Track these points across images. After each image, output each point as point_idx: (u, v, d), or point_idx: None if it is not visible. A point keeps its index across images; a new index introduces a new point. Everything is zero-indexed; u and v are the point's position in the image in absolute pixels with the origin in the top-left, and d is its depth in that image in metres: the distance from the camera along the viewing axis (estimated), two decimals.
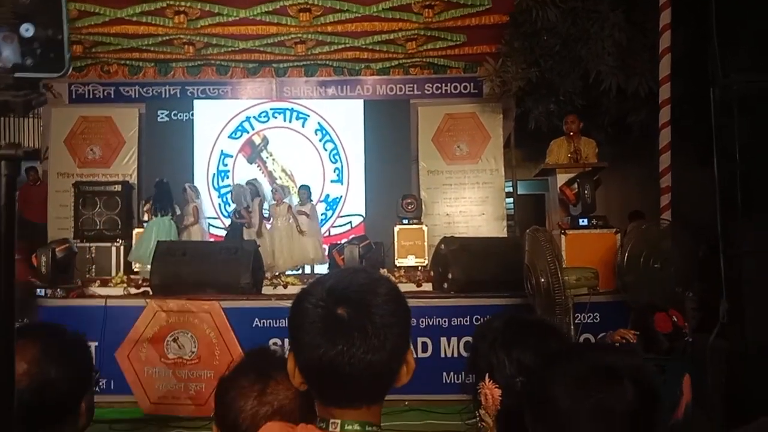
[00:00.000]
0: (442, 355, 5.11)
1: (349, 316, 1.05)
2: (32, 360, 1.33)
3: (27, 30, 0.89)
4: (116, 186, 8.63)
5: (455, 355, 5.07)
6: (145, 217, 8.22)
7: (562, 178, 6.42)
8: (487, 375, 1.56)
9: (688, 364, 2.98)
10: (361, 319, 1.05)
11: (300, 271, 8.25)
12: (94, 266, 7.77)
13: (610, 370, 1.12)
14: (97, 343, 5.12)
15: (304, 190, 8.50)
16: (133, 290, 6.06)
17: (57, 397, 1.34)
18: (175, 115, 9.41)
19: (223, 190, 9.40)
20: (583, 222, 5.97)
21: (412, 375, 1.12)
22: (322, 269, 8.54)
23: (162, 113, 9.40)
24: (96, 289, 6.12)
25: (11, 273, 0.97)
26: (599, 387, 1.10)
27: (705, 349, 4.23)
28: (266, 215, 8.48)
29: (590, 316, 5.05)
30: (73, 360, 1.42)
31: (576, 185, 6.14)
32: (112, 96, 9.44)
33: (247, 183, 8.56)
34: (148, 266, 6.63)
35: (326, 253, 8.26)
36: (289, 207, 8.31)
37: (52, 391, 1.33)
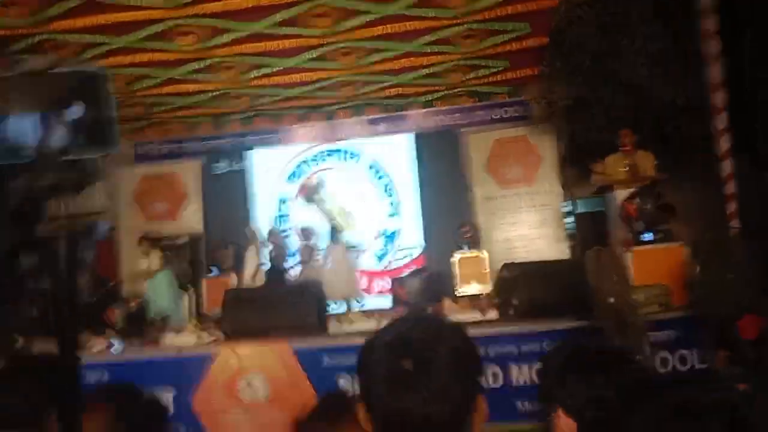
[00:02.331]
0: (514, 383, 5.03)
1: (414, 370, 1.06)
2: (103, 423, 1.37)
3: (74, 111, 0.94)
4: (184, 237, 8.95)
5: (527, 382, 4.98)
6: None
7: (621, 194, 6.30)
8: (559, 406, 1.54)
9: None
10: (424, 372, 1.06)
11: (362, 307, 8.32)
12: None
13: (694, 408, 1.05)
14: (173, 392, 5.26)
15: (336, 231, 8.53)
16: (205, 336, 6.21)
17: None
18: (233, 165, 9.74)
19: (282, 234, 9.60)
20: (648, 237, 5.82)
21: (486, 421, 1.12)
22: (385, 303, 8.59)
23: (221, 165, 9.75)
24: (170, 337, 6.31)
25: (74, 344, 1.02)
26: (684, 426, 1.04)
27: None
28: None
29: (665, 333, 4.88)
30: (147, 425, 1.47)
31: (637, 200, 6.01)
32: (173, 152, 9.86)
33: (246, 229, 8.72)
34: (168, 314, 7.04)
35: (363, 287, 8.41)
36: (312, 250, 8.40)
37: None
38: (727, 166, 5.40)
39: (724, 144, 5.40)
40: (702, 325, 4.67)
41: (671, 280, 5.18)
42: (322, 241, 8.43)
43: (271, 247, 8.32)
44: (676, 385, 1.25)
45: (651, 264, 5.59)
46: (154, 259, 7.62)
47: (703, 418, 1.02)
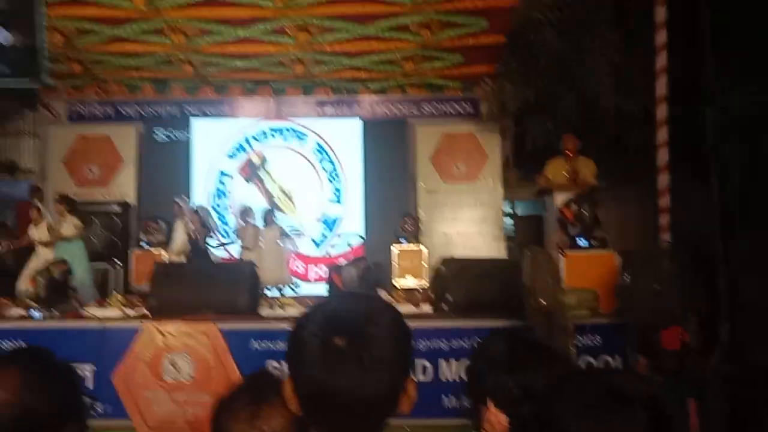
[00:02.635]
0: (442, 378, 5.04)
1: (346, 346, 1.04)
2: (10, 388, 1.31)
3: (2, 36, 0.89)
4: (115, 206, 8.61)
5: (455, 378, 5.01)
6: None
7: (560, 198, 6.41)
8: (490, 400, 1.52)
9: (692, 387, 2.95)
10: (358, 349, 1.04)
11: (296, 292, 8.23)
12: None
13: (622, 394, 1.07)
14: (93, 366, 5.07)
15: (270, 214, 8.48)
16: (130, 311, 5.99)
17: (34, 427, 1.33)
18: (173, 134, 9.42)
19: (206, 212, 9.37)
20: (582, 242, 5.94)
21: (413, 403, 1.10)
22: (320, 290, 8.52)
23: (160, 132, 9.42)
24: (93, 310, 6.06)
25: None
26: (610, 411, 1.05)
27: (706, 371, 4.20)
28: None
29: (591, 338, 5.00)
30: (54, 388, 1.40)
31: (574, 205, 6.12)
32: (111, 115, 9.46)
33: (174, 201, 8.38)
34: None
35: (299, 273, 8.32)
36: (255, 228, 8.29)
37: (28, 420, 1.31)
38: (663, 180, 5.54)
39: (663, 157, 5.54)
40: (626, 332, 4.81)
41: (601, 287, 5.30)
42: (257, 222, 8.31)
43: (191, 224, 8.07)
44: (604, 374, 1.28)
45: (583, 269, 5.72)
46: (69, 225, 7.28)
47: (629, 403, 1.04)
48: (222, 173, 9.50)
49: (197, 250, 7.90)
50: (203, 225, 8.00)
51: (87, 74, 8.94)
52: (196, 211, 8.16)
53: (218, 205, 9.41)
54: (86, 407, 1.49)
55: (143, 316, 5.70)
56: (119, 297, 6.55)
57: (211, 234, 8.16)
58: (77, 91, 9.34)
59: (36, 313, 5.60)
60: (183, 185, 9.22)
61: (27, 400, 1.32)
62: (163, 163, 9.32)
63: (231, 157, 9.53)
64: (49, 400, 1.35)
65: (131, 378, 5.19)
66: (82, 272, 7.13)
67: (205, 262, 7.66)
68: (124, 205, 8.79)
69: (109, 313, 5.93)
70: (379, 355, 1.04)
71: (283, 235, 8.40)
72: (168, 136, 9.44)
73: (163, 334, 5.26)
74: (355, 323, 1.07)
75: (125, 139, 9.35)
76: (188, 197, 9.00)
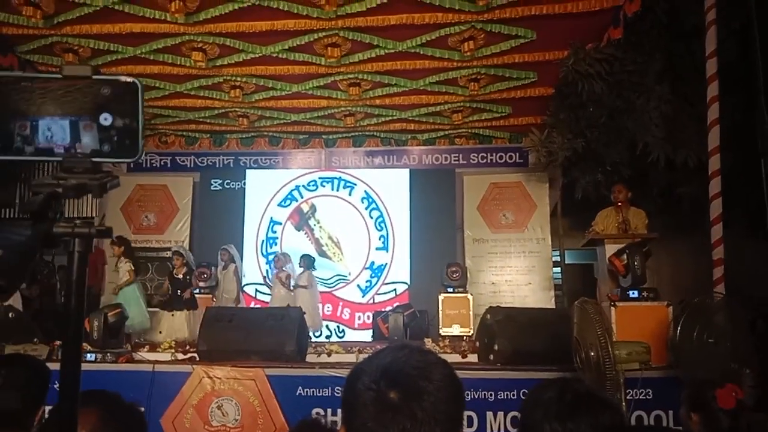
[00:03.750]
0: (488, 430, 4.95)
1: (400, 400, 1.07)
2: (89, 426, 1.38)
3: (105, 119, 0.99)
4: (168, 252, 8.88)
5: (502, 430, 4.91)
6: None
7: (610, 249, 6.32)
8: None
9: None
10: (412, 404, 1.07)
11: (342, 338, 8.27)
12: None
13: None
14: (143, 409, 5.16)
15: (306, 259, 8.58)
16: (180, 356, 6.13)
17: None
18: (227, 184, 9.75)
19: (271, 257, 9.58)
20: (634, 294, 5.82)
21: None
22: (365, 336, 8.52)
23: (215, 182, 9.77)
24: (145, 353, 6.22)
25: (79, 344, 1.04)
26: None
27: (762, 430, 4.01)
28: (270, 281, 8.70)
29: (642, 392, 4.85)
30: (126, 427, 1.47)
31: (625, 256, 6.03)
32: (169, 165, 9.85)
33: (221, 249, 8.56)
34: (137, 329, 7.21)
35: (320, 316, 8.49)
36: (288, 276, 8.38)
37: None
38: (717, 231, 5.42)
39: (717, 208, 5.43)
40: (679, 387, 4.65)
41: (653, 339, 5.16)
42: (296, 268, 8.45)
43: (174, 264, 8.19)
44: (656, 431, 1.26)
45: (634, 321, 5.59)
46: (123, 271, 7.60)
47: None
48: (273, 221, 9.73)
49: (178, 284, 8.06)
50: (185, 265, 8.15)
51: (147, 127, 9.37)
52: (177, 251, 8.30)
53: (269, 252, 9.61)
54: None
55: (193, 360, 5.82)
56: (170, 341, 6.72)
57: (194, 272, 8.25)
58: None
59: (90, 355, 5.77)
60: (235, 232, 9.49)
61: None
62: (216, 211, 9.61)
63: (282, 205, 9.77)
64: None
65: (179, 421, 5.27)
66: (138, 314, 7.35)
67: (178, 300, 7.82)
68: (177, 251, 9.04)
69: (160, 357, 6.08)
70: (432, 409, 1.07)
71: (317, 282, 8.50)
72: (222, 186, 9.76)
73: (211, 379, 5.35)
74: (409, 377, 1.10)
75: (182, 188, 9.70)
76: (240, 244, 9.24)
